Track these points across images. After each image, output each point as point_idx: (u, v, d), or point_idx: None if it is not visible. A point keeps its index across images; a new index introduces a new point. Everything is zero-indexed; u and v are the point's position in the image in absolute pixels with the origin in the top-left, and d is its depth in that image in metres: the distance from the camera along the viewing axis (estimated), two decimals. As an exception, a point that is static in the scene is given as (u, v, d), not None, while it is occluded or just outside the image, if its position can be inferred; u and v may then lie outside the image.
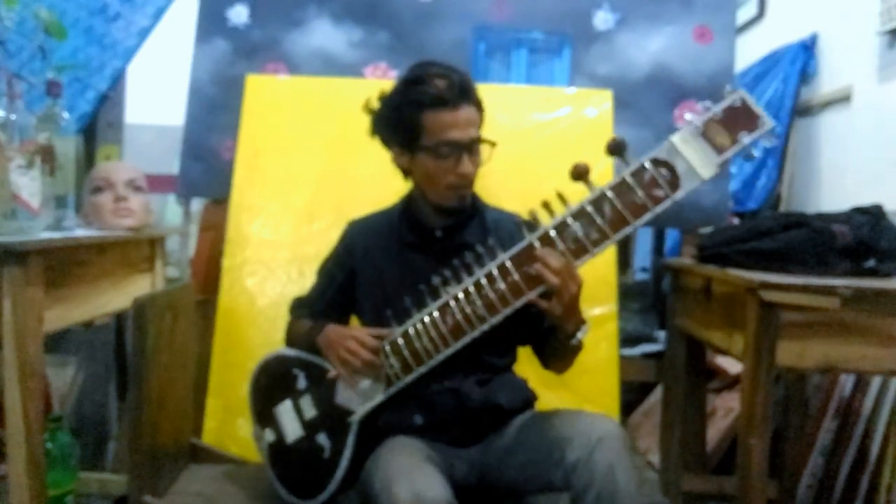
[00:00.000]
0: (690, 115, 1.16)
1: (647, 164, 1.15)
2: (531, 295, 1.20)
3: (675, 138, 1.14)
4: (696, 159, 1.13)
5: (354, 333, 1.33)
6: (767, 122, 1.13)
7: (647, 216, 1.14)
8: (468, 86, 1.29)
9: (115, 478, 1.86)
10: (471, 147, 1.30)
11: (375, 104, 1.36)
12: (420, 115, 1.27)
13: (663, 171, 1.14)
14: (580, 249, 1.17)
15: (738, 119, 1.13)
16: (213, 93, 2.29)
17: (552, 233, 1.18)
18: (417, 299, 1.27)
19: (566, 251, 1.17)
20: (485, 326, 1.22)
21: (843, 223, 1.47)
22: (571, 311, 1.22)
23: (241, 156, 2.12)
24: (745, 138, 1.13)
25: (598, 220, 1.16)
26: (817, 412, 2.06)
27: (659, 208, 1.14)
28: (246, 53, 2.30)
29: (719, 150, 1.13)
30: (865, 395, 1.94)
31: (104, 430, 2.22)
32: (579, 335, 1.27)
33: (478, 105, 1.32)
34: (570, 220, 1.17)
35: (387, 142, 1.37)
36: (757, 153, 1.16)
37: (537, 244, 1.19)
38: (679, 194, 1.13)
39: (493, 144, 1.32)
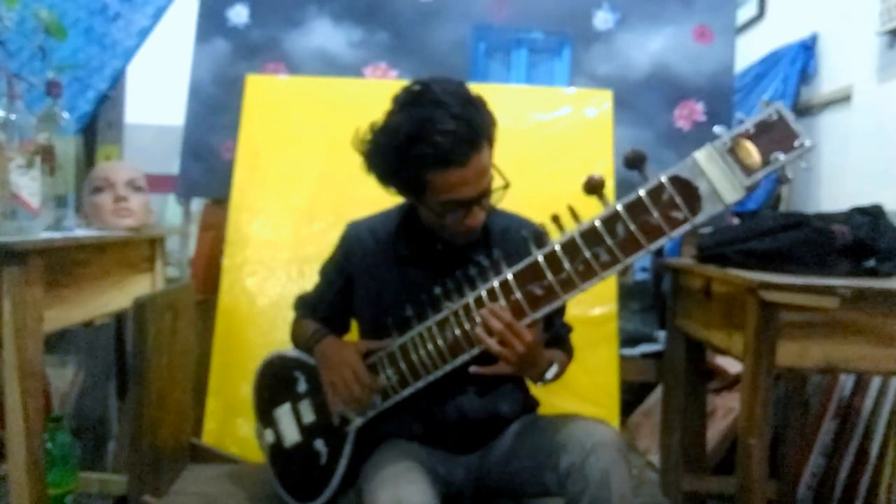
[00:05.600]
0: (719, 129, 1.03)
1: (666, 182, 1.03)
2: (534, 316, 1.13)
3: (700, 155, 1.02)
4: (721, 180, 1.00)
5: (351, 361, 1.27)
6: (806, 141, 0.99)
7: (663, 240, 1.04)
8: (477, 131, 1.14)
9: (115, 478, 1.86)
10: (481, 199, 1.21)
11: (367, 137, 1.21)
12: (423, 175, 1.16)
13: (684, 191, 1.02)
14: (588, 272, 1.08)
15: (773, 136, 1.00)
16: (213, 93, 2.29)
17: (559, 251, 1.10)
18: (418, 310, 1.23)
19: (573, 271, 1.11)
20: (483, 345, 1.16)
21: (843, 223, 1.48)
22: (524, 368, 1.17)
23: (241, 156, 2.12)
24: (780, 159, 0.99)
25: (609, 241, 1.06)
26: (817, 412, 2.06)
27: (676, 232, 1.03)
28: (246, 53, 2.30)
29: (748, 170, 1.00)
30: (865, 395, 1.94)
31: (104, 430, 2.22)
32: (547, 377, 1.24)
33: (490, 136, 1.19)
34: (578, 239, 1.08)
35: (384, 186, 1.25)
36: (791, 175, 1.02)
37: (543, 262, 1.11)
38: (699, 218, 1.02)
39: (505, 187, 1.23)
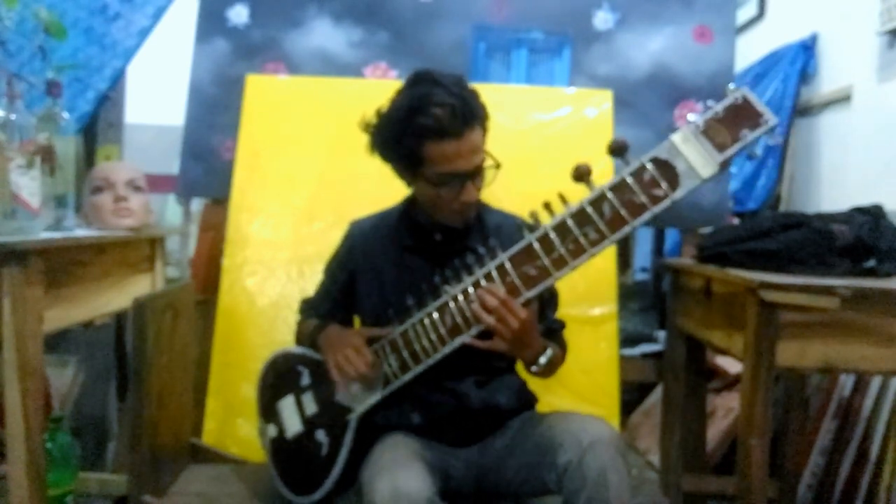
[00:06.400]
0: (693, 115, 1.13)
1: (647, 164, 1.13)
2: (527, 295, 1.18)
3: (676, 137, 1.12)
4: (696, 158, 1.10)
5: (353, 341, 1.31)
6: (770, 118, 1.10)
7: (647, 216, 1.13)
8: (472, 110, 1.24)
9: (115, 478, 1.86)
10: (475, 175, 1.27)
11: (373, 121, 1.31)
12: (421, 146, 1.23)
13: (663, 170, 1.12)
14: (578, 249, 1.16)
15: (740, 117, 1.10)
16: (213, 93, 2.29)
17: (551, 233, 1.17)
18: (419, 299, 1.27)
19: (565, 251, 1.16)
20: (481, 325, 1.21)
21: (843, 223, 1.47)
22: (519, 346, 1.22)
23: (241, 156, 2.12)
24: (748, 136, 1.10)
25: (597, 220, 1.14)
26: (817, 412, 2.06)
27: (658, 208, 1.12)
28: (246, 53, 2.30)
29: (720, 148, 1.10)
30: (865, 395, 1.94)
31: (104, 430, 2.22)
32: (542, 361, 1.26)
33: (483, 121, 1.27)
34: (569, 221, 1.16)
35: (386, 162, 1.33)
36: (760, 151, 1.12)
37: (536, 245, 1.18)
38: (679, 194, 1.11)
39: (497, 166, 1.29)
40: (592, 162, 1.17)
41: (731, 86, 1.14)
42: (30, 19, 1.77)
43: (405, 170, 1.30)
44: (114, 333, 2.08)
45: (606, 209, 1.14)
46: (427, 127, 1.20)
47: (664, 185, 1.12)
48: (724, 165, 1.11)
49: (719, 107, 1.12)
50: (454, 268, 1.25)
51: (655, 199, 1.12)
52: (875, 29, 2.27)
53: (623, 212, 1.13)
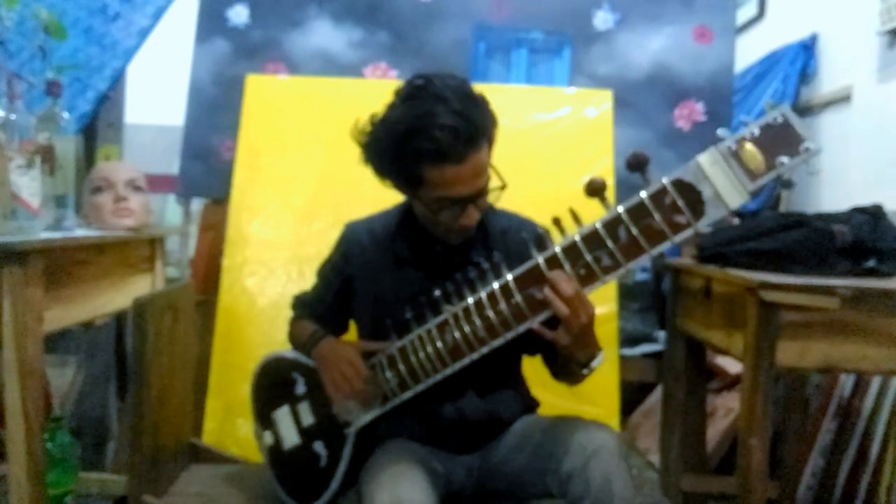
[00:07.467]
0: (723, 131, 1.02)
1: (669, 187, 1.01)
2: (535, 321, 1.11)
3: (703, 159, 1.00)
4: (724, 185, 0.99)
5: (350, 357, 1.27)
6: (812, 145, 0.99)
7: (665, 244, 1.02)
8: (477, 129, 1.12)
9: (115, 478, 1.86)
10: (476, 198, 1.18)
11: (367, 128, 1.21)
12: (420, 168, 1.13)
13: (687, 195, 1.00)
14: (590, 276, 1.06)
15: (778, 140, 0.99)
16: (213, 93, 2.29)
17: (560, 255, 1.08)
18: (417, 313, 1.21)
19: (574, 276, 1.08)
20: (484, 349, 1.15)
21: (843, 223, 1.47)
22: (582, 342, 1.14)
23: (241, 156, 2.12)
24: (785, 163, 0.98)
25: (611, 245, 1.04)
26: (817, 412, 2.06)
27: (678, 237, 1.02)
28: (246, 53, 2.30)
29: (753, 175, 0.99)
30: (865, 395, 1.94)
31: (104, 430, 2.22)
32: (593, 364, 1.20)
33: (490, 136, 1.17)
34: (580, 242, 1.07)
35: (381, 179, 1.23)
36: (795, 179, 1.02)
37: (544, 266, 1.09)
38: (702, 223, 1.01)
39: (502, 188, 1.20)
40: (592, 163, 1.16)
41: (770, 101, 1.04)
42: (30, 19, 1.77)
43: (402, 187, 1.23)
44: (114, 333, 2.08)
45: (622, 233, 1.04)
46: (426, 151, 1.11)
47: (687, 212, 1.01)
48: (754, 194, 1.00)
49: (754, 125, 1.00)
50: (455, 281, 1.17)
51: (676, 228, 1.01)
52: (875, 29, 2.27)
53: (640, 238, 1.03)
